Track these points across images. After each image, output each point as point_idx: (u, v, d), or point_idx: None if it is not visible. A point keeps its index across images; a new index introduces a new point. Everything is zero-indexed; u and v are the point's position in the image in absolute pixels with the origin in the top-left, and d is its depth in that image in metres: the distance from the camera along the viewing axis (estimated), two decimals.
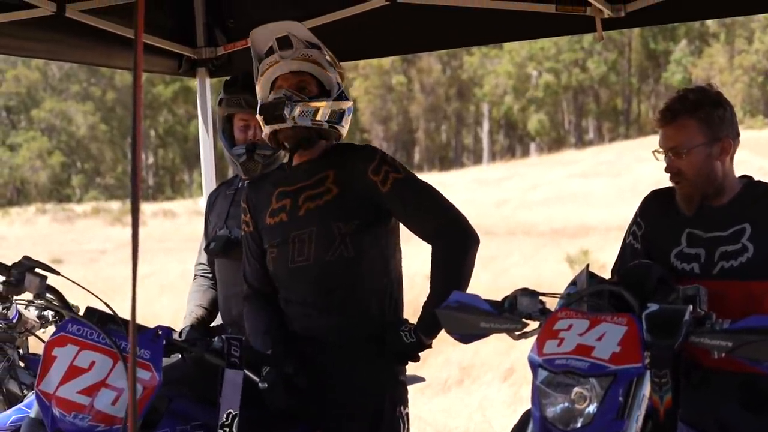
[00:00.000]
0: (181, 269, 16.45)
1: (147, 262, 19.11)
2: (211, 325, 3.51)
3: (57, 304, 2.82)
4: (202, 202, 4.01)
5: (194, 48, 4.61)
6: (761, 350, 2.05)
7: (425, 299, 2.88)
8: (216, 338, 2.63)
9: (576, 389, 2.11)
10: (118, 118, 56.13)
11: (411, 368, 3.05)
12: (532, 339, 2.28)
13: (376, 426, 2.87)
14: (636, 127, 55.22)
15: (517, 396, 7.82)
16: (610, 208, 27.25)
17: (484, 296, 2.39)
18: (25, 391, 3.74)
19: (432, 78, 58.95)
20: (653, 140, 2.85)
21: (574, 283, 2.38)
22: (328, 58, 2.96)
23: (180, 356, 2.69)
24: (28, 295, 3.14)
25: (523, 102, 57.17)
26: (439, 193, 2.93)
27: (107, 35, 4.23)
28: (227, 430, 2.60)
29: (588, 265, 2.40)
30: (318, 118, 2.88)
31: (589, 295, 2.30)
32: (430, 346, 2.92)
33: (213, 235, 3.41)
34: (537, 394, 2.17)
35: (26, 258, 2.78)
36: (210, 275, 3.55)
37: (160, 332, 2.56)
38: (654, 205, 2.89)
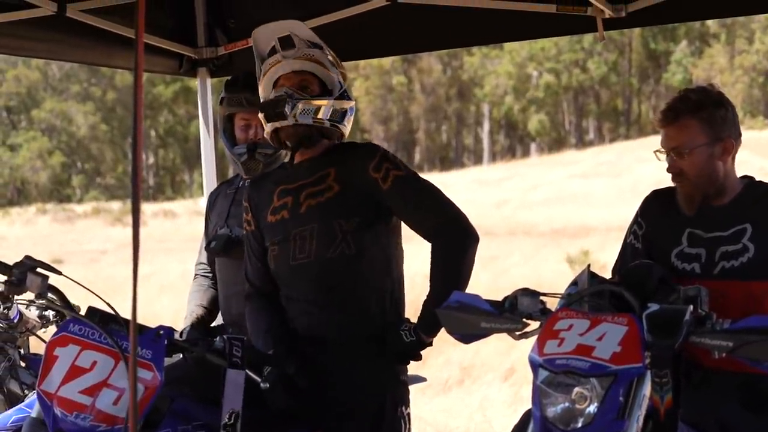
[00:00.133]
0: (182, 269, 16.44)
1: (147, 262, 19.11)
2: (212, 324, 3.51)
3: (59, 303, 2.82)
4: (202, 202, 4.01)
5: (195, 48, 4.61)
6: (762, 350, 2.05)
7: (425, 297, 2.88)
8: (218, 338, 2.63)
9: (576, 389, 2.12)
10: (119, 118, 56.13)
11: (411, 368, 3.05)
12: (533, 339, 2.28)
13: (378, 426, 2.87)
14: (636, 128, 55.24)
15: (517, 396, 7.82)
16: (611, 209, 27.24)
17: (485, 296, 2.39)
18: (26, 391, 3.73)
19: (432, 78, 58.93)
20: (654, 141, 2.85)
21: (575, 283, 2.38)
22: (330, 57, 2.96)
23: (181, 356, 2.69)
24: (29, 295, 3.14)
25: (524, 102, 57.14)
26: (440, 191, 2.93)
27: (108, 35, 4.23)
28: (231, 429, 2.60)
29: (589, 265, 2.39)
30: (319, 116, 2.88)
31: (589, 295, 2.30)
32: (430, 345, 2.91)
33: (213, 234, 3.40)
34: (537, 394, 2.18)
35: (28, 258, 2.78)
36: (210, 275, 3.54)
37: (161, 332, 2.56)
38: (655, 205, 2.89)
